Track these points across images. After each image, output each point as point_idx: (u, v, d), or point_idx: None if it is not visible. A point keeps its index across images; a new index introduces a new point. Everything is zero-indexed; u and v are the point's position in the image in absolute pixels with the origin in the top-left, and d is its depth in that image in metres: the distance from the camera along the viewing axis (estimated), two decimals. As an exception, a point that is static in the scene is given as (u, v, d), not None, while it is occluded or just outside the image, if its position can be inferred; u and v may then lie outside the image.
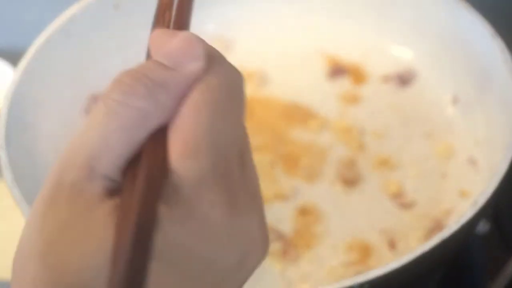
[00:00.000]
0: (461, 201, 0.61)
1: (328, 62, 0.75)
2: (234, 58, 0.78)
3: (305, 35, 0.77)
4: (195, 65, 0.24)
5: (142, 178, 0.23)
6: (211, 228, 0.24)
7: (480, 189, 0.55)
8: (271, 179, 0.65)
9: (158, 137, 0.24)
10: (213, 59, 0.25)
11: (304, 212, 0.62)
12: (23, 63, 0.65)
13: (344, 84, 0.73)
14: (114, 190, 0.24)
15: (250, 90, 0.73)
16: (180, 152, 0.23)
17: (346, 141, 0.67)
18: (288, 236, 0.60)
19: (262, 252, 0.28)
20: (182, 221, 0.24)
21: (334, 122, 0.69)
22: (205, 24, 0.77)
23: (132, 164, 0.24)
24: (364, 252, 0.59)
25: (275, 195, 0.63)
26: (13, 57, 0.73)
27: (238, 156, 0.25)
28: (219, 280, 0.26)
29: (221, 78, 0.25)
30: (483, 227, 0.70)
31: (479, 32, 0.64)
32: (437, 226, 0.59)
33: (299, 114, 0.71)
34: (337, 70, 0.74)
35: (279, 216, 0.62)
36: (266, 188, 0.64)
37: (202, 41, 0.25)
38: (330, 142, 0.67)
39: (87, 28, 0.71)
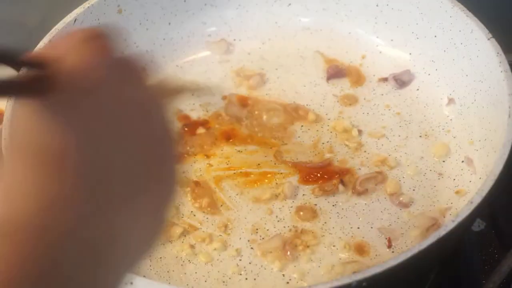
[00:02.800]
0: (457, 200, 0.62)
1: (327, 64, 0.76)
2: (235, 59, 0.80)
3: (304, 38, 0.78)
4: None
5: None
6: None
7: (475, 189, 0.55)
8: (271, 179, 0.65)
9: None
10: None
11: (303, 211, 0.62)
12: (27, 65, 0.65)
13: (343, 86, 0.74)
14: None
15: (250, 91, 0.74)
16: None
17: (345, 141, 0.68)
18: (287, 235, 0.61)
19: None
20: None
21: (332, 123, 0.70)
22: (207, 27, 0.78)
23: None
24: (362, 250, 0.59)
25: (275, 194, 0.64)
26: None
27: None
28: None
29: None
30: (478, 225, 0.71)
31: (475, 34, 0.65)
32: (434, 224, 0.60)
33: (298, 114, 0.71)
34: (336, 72, 0.75)
35: (278, 215, 0.62)
36: (267, 187, 0.65)
37: None
38: (328, 142, 0.68)
39: (90, 31, 0.71)
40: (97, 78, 0.29)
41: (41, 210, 0.27)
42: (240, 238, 0.61)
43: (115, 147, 0.30)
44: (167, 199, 0.33)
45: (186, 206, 0.64)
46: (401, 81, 0.72)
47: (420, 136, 0.68)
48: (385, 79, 0.73)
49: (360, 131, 0.69)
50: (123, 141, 0.30)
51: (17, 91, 0.29)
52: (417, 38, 0.73)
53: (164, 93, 0.37)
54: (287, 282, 0.58)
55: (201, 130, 0.70)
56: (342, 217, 0.62)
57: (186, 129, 0.70)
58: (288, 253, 0.59)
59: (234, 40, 0.78)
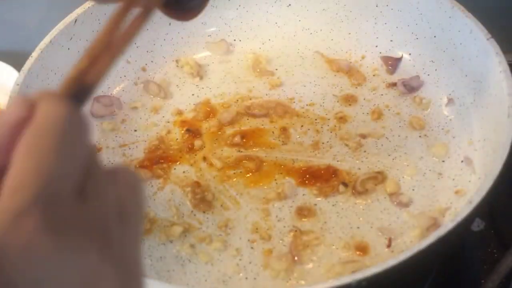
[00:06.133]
0: (456, 200, 0.62)
1: (327, 64, 0.76)
2: (235, 59, 0.80)
3: (304, 38, 0.78)
4: (13, 115, 0.27)
5: None
6: (32, 256, 0.25)
7: (475, 188, 0.56)
8: (271, 179, 0.65)
9: None
10: (39, 103, 0.28)
11: (303, 211, 0.63)
12: (27, 65, 0.65)
13: (343, 86, 0.74)
14: None
15: (249, 91, 0.74)
16: (6, 189, 0.25)
17: (344, 141, 0.68)
18: (287, 235, 0.61)
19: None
20: None
21: (332, 123, 0.70)
22: (207, 27, 0.78)
23: None
24: (362, 250, 0.59)
25: (275, 194, 0.64)
26: (17, 60, 0.73)
27: (74, 188, 0.27)
28: None
29: (42, 121, 0.27)
30: (478, 225, 0.71)
31: (474, 34, 0.65)
32: (433, 224, 0.60)
33: (298, 114, 0.71)
34: (336, 72, 0.75)
35: (278, 215, 0.63)
36: (267, 187, 0.65)
37: (23, 95, 0.28)
38: (328, 142, 0.68)
39: (90, 31, 0.71)
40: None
41: None
42: (240, 238, 0.61)
43: None
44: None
45: (186, 206, 0.64)
46: (410, 86, 0.72)
47: (420, 136, 0.68)
48: (393, 84, 0.73)
49: (359, 131, 0.69)
50: None
51: None
52: (417, 38, 0.73)
53: None
54: (287, 282, 0.58)
55: (203, 132, 0.70)
56: (342, 217, 0.62)
57: (188, 131, 0.70)
58: (288, 252, 0.59)
59: (234, 40, 0.79)
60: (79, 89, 0.31)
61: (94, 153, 0.29)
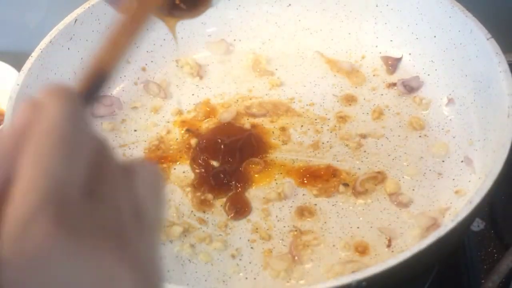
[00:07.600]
0: (456, 200, 0.62)
1: (327, 64, 0.76)
2: (235, 59, 0.79)
3: (304, 38, 0.78)
4: (17, 122, 0.27)
5: None
6: (45, 260, 0.24)
7: (475, 188, 0.56)
8: (271, 179, 0.65)
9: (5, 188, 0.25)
10: (43, 104, 0.27)
11: (303, 211, 0.62)
12: (27, 65, 0.65)
13: (343, 86, 0.74)
14: None
15: (250, 91, 0.74)
16: (14, 195, 0.25)
17: (344, 141, 0.68)
18: (287, 235, 0.61)
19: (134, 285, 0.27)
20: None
21: (332, 123, 0.70)
22: (207, 27, 0.78)
23: None
24: (362, 249, 0.59)
25: (275, 194, 0.64)
26: (17, 60, 0.73)
27: (84, 187, 0.26)
28: None
29: (44, 126, 0.26)
30: (478, 225, 0.71)
31: (474, 34, 0.65)
32: (433, 224, 0.60)
33: (298, 114, 0.71)
34: (336, 72, 0.75)
35: (278, 215, 0.63)
36: (267, 187, 0.65)
37: (29, 97, 0.28)
38: (328, 142, 0.68)
39: (90, 31, 0.71)
40: None
41: None
42: (240, 238, 0.61)
43: None
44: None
45: (186, 206, 0.64)
46: (409, 86, 0.72)
47: (420, 136, 0.68)
48: (393, 84, 0.73)
49: (359, 131, 0.69)
50: None
51: None
52: (417, 38, 0.73)
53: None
54: (287, 282, 0.58)
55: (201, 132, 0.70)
56: (342, 217, 0.62)
57: (187, 131, 0.70)
58: (288, 252, 0.59)
59: (234, 40, 0.79)
60: (97, 77, 0.31)
61: (105, 149, 0.29)
